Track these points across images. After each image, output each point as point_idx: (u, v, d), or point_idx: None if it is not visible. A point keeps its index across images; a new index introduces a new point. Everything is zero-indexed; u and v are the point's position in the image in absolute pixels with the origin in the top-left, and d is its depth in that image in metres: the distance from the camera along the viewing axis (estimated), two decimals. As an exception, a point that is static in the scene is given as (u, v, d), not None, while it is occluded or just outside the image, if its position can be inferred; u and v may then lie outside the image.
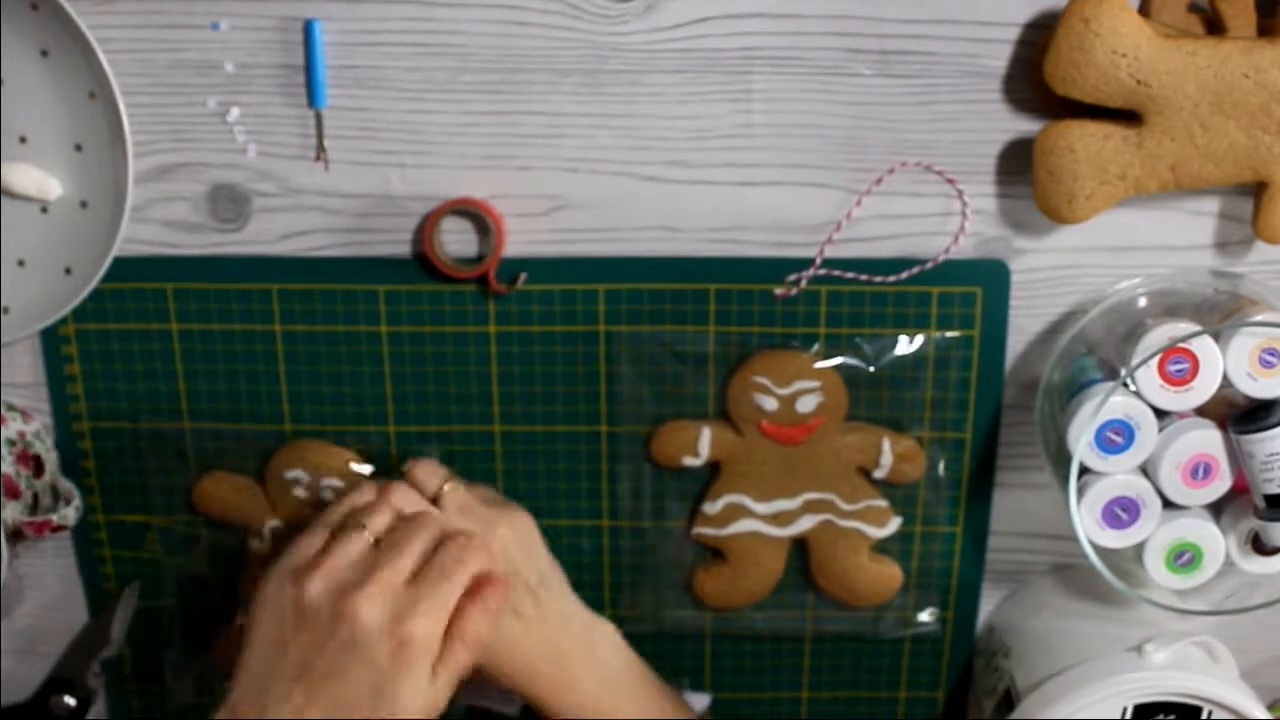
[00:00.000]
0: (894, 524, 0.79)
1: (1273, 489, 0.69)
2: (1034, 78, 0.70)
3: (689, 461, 0.78)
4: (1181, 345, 0.68)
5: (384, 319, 0.77)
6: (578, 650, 0.72)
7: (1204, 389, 0.69)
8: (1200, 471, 0.70)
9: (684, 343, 0.77)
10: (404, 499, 0.69)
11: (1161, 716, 0.73)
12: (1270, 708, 0.83)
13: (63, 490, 0.79)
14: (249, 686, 0.63)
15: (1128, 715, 0.73)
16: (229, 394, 0.79)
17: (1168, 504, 0.71)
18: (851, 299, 0.76)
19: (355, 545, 0.65)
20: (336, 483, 0.79)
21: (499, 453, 0.80)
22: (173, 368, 0.79)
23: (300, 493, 0.79)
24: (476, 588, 0.65)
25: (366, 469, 0.79)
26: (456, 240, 0.76)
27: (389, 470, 0.79)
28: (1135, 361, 0.68)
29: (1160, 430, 0.70)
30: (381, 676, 0.61)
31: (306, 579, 0.63)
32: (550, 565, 0.74)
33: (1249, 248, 0.75)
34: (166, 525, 0.82)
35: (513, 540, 0.71)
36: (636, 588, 0.82)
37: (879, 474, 0.78)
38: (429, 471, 0.73)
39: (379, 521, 0.66)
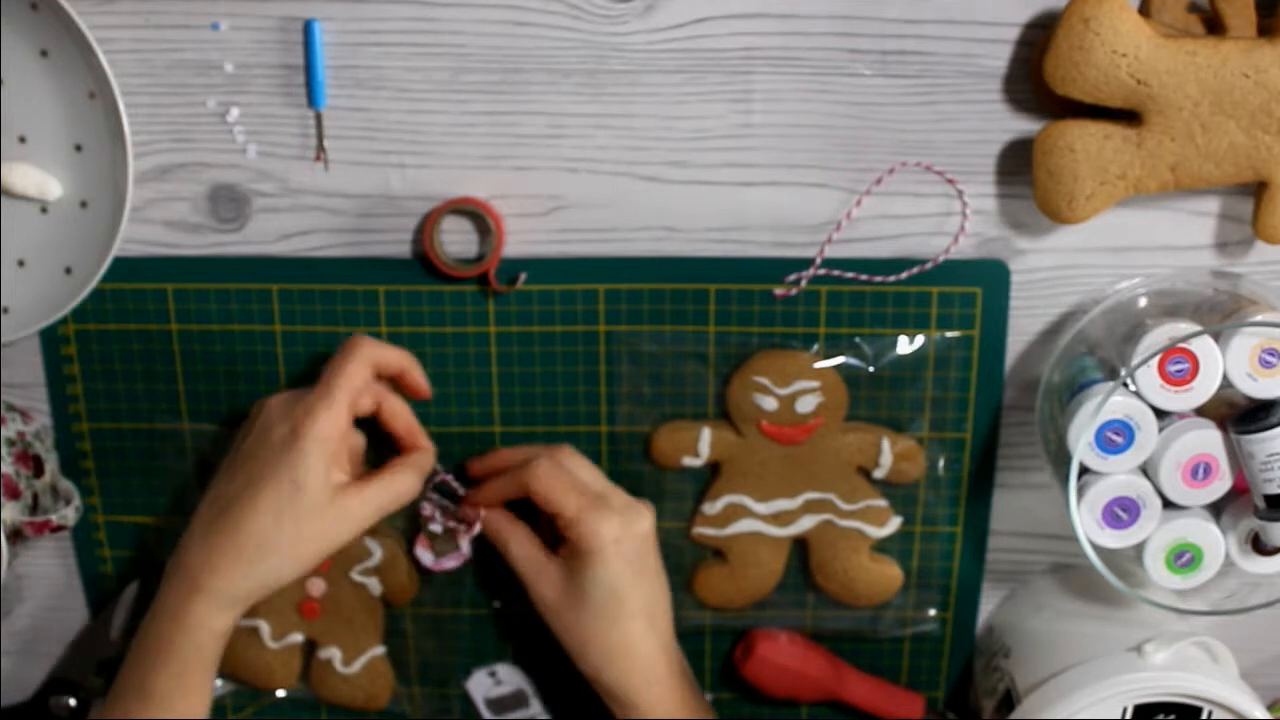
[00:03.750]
0: (894, 524, 0.79)
1: (1273, 489, 0.69)
2: (1034, 78, 0.70)
3: (689, 461, 0.79)
4: (1181, 345, 0.68)
5: (384, 319, 0.77)
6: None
7: (1204, 389, 0.69)
8: (1200, 471, 0.70)
9: (684, 343, 0.77)
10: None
11: (1161, 716, 0.73)
12: (1270, 708, 0.83)
13: (63, 490, 0.79)
14: (212, 480, 0.74)
15: (1128, 715, 0.73)
16: (229, 394, 0.79)
17: (1168, 504, 0.71)
18: (851, 299, 0.76)
19: None
20: None
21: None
22: (173, 368, 0.79)
23: None
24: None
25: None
26: (456, 240, 0.76)
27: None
28: (1135, 361, 0.68)
29: (1160, 430, 0.70)
30: (276, 454, 0.70)
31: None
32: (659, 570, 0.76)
33: (1249, 248, 0.75)
34: (166, 526, 0.82)
35: (653, 527, 0.75)
36: (636, 588, 0.82)
37: (879, 474, 0.78)
38: (580, 459, 0.76)
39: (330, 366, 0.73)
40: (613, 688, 0.74)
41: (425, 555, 0.79)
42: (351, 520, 0.71)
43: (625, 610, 0.73)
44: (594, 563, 0.73)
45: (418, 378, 0.76)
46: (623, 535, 0.73)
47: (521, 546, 0.76)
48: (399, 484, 0.74)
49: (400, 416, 0.76)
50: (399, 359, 0.75)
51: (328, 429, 0.70)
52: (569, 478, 0.74)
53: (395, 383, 0.76)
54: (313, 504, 0.70)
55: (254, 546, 0.70)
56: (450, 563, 0.79)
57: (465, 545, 0.79)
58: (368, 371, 0.73)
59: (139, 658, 0.71)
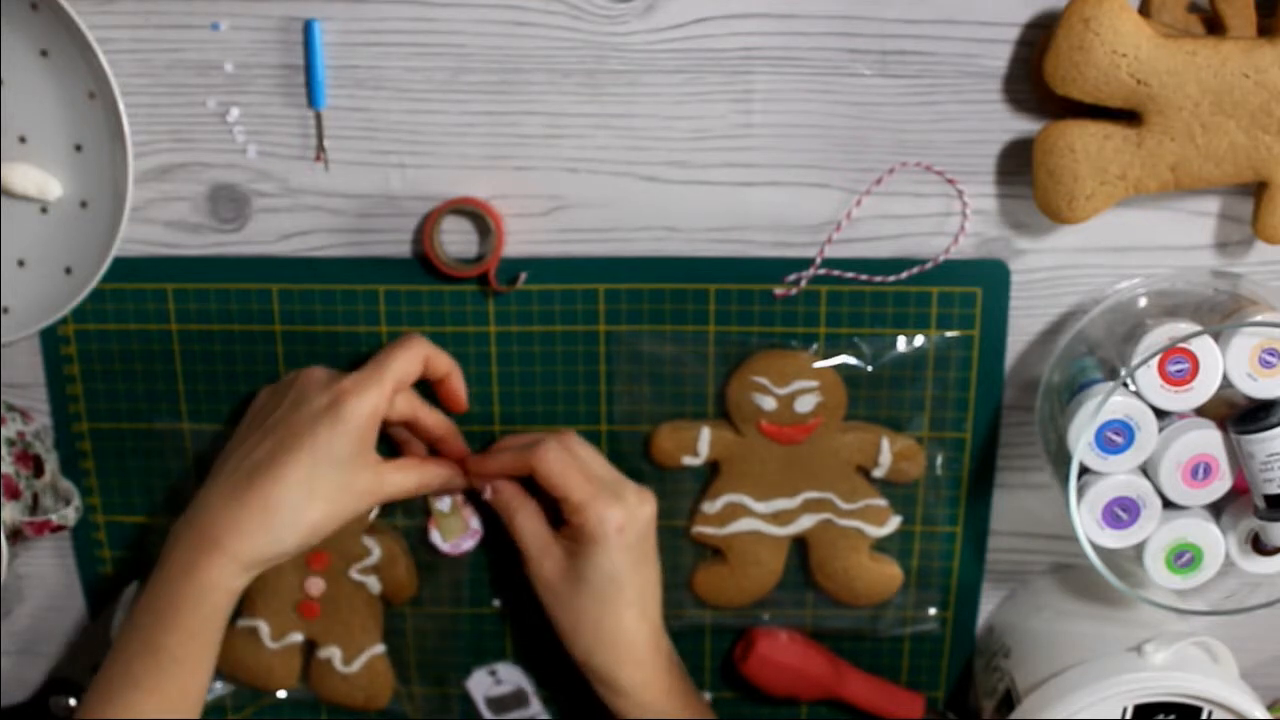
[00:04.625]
0: (894, 523, 0.79)
1: (1273, 489, 0.69)
2: (1034, 78, 0.70)
3: (689, 461, 0.79)
4: (1181, 345, 0.68)
5: (384, 319, 0.77)
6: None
7: (1204, 389, 0.69)
8: (1200, 471, 0.70)
9: (684, 343, 0.77)
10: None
11: (1161, 716, 0.73)
12: (1270, 708, 0.83)
13: (63, 490, 0.79)
14: (228, 447, 0.75)
15: (1128, 715, 0.73)
16: (229, 394, 0.79)
17: (1168, 504, 0.71)
18: (851, 299, 0.76)
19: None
20: None
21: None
22: (173, 368, 0.79)
23: None
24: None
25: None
26: (456, 240, 0.76)
27: None
28: (1135, 361, 0.68)
29: (1160, 430, 0.70)
30: (314, 423, 0.70)
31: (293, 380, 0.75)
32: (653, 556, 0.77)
33: (1249, 248, 0.75)
34: (166, 525, 0.82)
35: (653, 519, 0.76)
36: (636, 587, 0.82)
37: (878, 473, 0.78)
38: (586, 445, 0.76)
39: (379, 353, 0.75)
40: (601, 672, 0.75)
41: (436, 537, 0.80)
42: (380, 494, 0.73)
43: (622, 597, 0.74)
44: (597, 549, 0.73)
45: (459, 386, 0.77)
46: (627, 523, 0.73)
47: (529, 520, 0.76)
48: (430, 471, 0.76)
49: (440, 426, 0.77)
50: (448, 364, 0.76)
51: (369, 407, 0.71)
52: (576, 462, 0.74)
53: (436, 387, 0.77)
54: (346, 477, 0.71)
55: (283, 512, 0.70)
56: (467, 543, 0.80)
57: (475, 522, 0.79)
58: (418, 367, 0.74)
59: (148, 617, 0.70)
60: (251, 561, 0.70)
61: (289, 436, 0.70)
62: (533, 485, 0.76)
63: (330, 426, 0.70)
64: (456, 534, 0.80)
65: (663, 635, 0.77)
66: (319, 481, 0.70)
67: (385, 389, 0.71)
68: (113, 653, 0.71)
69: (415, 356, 0.74)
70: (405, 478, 0.74)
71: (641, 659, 0.75)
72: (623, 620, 0.74)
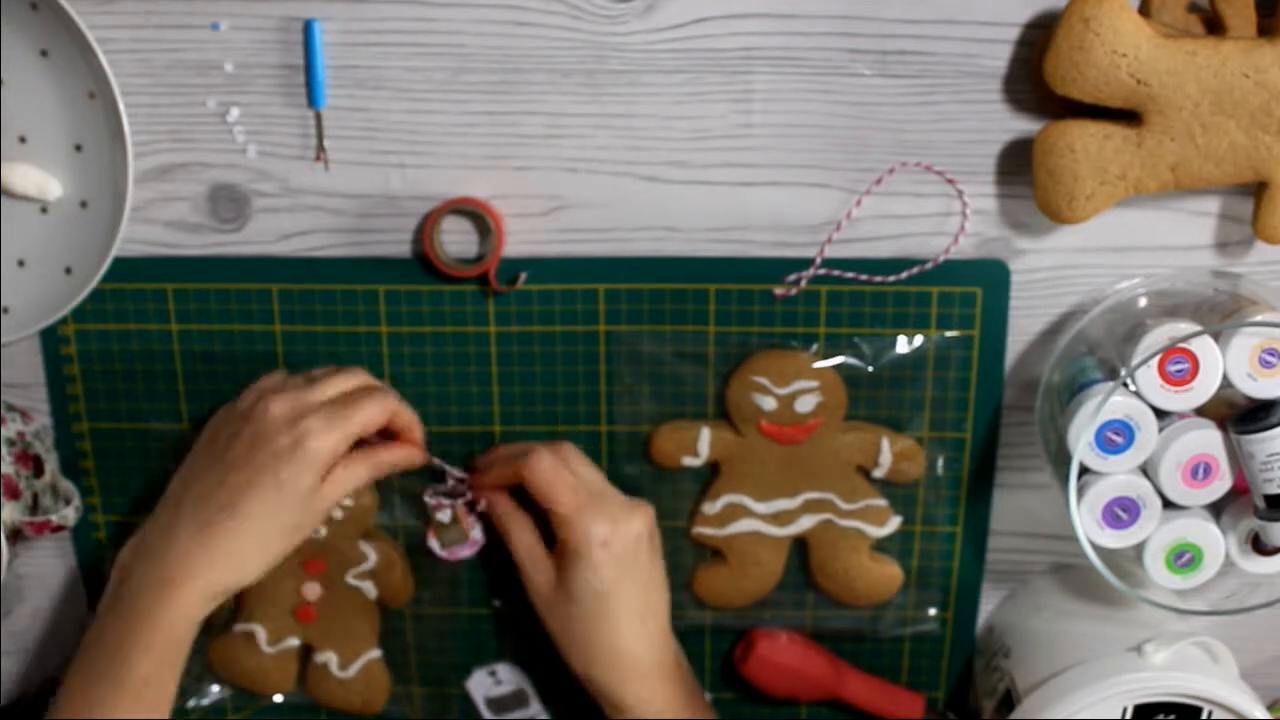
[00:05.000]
0: (894, 523, 0.79)
1: (1273, 489, 0.69)
2: (1034, 78, 0.70)
3: (689, 461, 0.79)
4: (1181, 345, 0.68)
5: (384, 319, 0.77)
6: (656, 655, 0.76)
7: (1204, 389, 0.69)
8: (1200, 471, 0.70)
9: (684, 343, 0.77)
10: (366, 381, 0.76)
11: (1161, 716, 0.73)
12: (1270, 708, 0.83)
13: (63, 490, 0.79)
14: (183, 475, 0.74)
15: (1128, 715, 0.73)
16: (229, 394, 0.79)
17: (1168, 504, 0.71)
18: (851, 299, 0.76)
19: (295, 379, 0.75)
20: (346, 501, 0.79)
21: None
22: (173, 368, 0.79)
23: None
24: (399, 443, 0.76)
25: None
26: (456, 240, 0.76)
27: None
28: (1135, 361, 0.68)
29: (1160, 430, 0.70)
30: (276, 462, 0.71)
31: (245, 395, 0.74)
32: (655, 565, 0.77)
33: (1249, 248, 0.75)
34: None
35: (651, 526, 0.76)
36: (636, 588, 0.82)
37: (878, 473, 0.78)
38: (579, 455, 0.76)
39: (335, 383, 0.74)
40: (601, 688, 0.75)
41: (434, 544, 0.80)
42: (334, 499, 0.73)
43: (612, 611, 0.74)
44: (581, 563, 0.73)
45: (418, 439, 0.77)
46: (612, 537, 0.73)
47: (523, 534, 0.76)
48: (381, 459, 0.75)
49: (401, 415, 0.76)
50: (411, 419, 0.76)
51: (330, 449, 0.71)
52: (566, 474, 0.74)
53: (397, 436, 0.77)
54: (305, 505, 0.72)
55: (250, 547, 0.71)
56: (465, 551, 0.80)
57: (477, 533, 0.79)
58: (383, 419, 0.74)
59: (108, 647, 0.71)
60: (220, 592, 0.72)
61: (254, 475, 0.71)
62: (527, 497, 0.76)
63: (293, 467, 0.71)
64: (454, 544, 0.80)
65: (667, 647, 0.77)
66: (282, 516, 0.71)
67: (349, 434, 0.72)
68: (69, 686, 0.72)
69: (383, 410, 0.74)
70: (354, 474, 0.74)
71: (643, 673, 0.75)
72: (617, 635, 0.74)
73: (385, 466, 0.75)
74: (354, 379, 0.75)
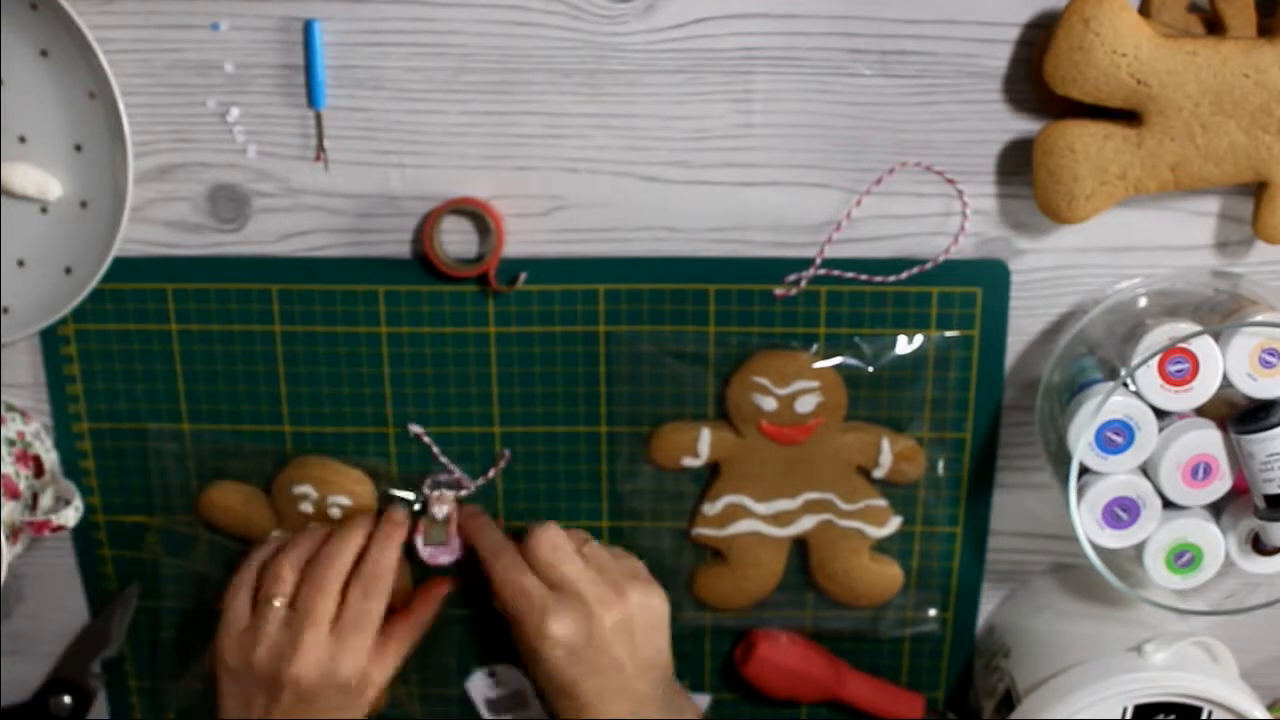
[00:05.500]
0: (894, 523, 0.79)
1: (1273, 489, 0.69)
2: (1034, 78, 0.70)
3: (689, 462, 0.78)
4: (1181, 345, 0.68)
5: (384, 319, 0.77)
6: None
7: (1204, 389, 0.69)
8: (1200, 471, 0.70)
9: (684, 343, 0.77)
10: (297, 556, 0.76)
11: (1161, 716, 0.73)
12: (1270, 708, 0.83)
13: (63, 490, 0.79)
14: (226, 690, 0.75)
15: (1128, 715, 0.73)
16: (228, 394, 0.79)
17: (1168, 504, 0.71)
18: (851, 299, 0.76)
19: (276, 616, 0.74)
20: (344, 500, 0.79)
21: (499, 453, 0.80)
22: (172, 368, 0.79)
23: (307, 508, 0.79)
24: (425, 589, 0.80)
25: (408, 495, 0.80)
26: (456, 240, 0.76)
27: (416, 486, 0.80)
28: (1135, 361, 0.68)
29: (1160, 430, 0.70)
30: (333, 709, 0.74)
31: (251, 651, 0.74)
32: (660, 653, 0.76)
33: (1249, 248, 0.75)
34: (166, 526, 0.82)
35: (638, 613, 0.74)
36: (636, 588, 0.82)
37: (879, 473, 0.78)
38: (555, 543, 0.75)
39: (284, 588, 0.75)
40: None
41: (420, 542, 0.79)
42: (378, 687, 0.76)
43: (577, 703, 0.73)
44: (539, 660, 0.73)
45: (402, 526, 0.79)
46: (575, 636, 0.72)
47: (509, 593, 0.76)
48: (410, 633, 0.78)
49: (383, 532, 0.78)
50: (393, 520, 0.79)
51: (365, 659, 0.74)
52: (523, 578, 0.74)
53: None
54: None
55: None
56: (443, 558, 0.79)
57: (456, 542, 0.79)
58: (388, 567, 0.76)
59: None
60: None
61: None
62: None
63: (347, 699, 0.74)
64: (436, 544, 0.79)
65: (660, 710, 0.75)
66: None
67: (373, 632, 0.75)
68: None
69: (383, 599, 0.75)
70: (393, 660, 0.76)
71: None
72: (584, 713, 0.73)
73: (415, 637, 0.78)
74: (326, 573, 0.75)
